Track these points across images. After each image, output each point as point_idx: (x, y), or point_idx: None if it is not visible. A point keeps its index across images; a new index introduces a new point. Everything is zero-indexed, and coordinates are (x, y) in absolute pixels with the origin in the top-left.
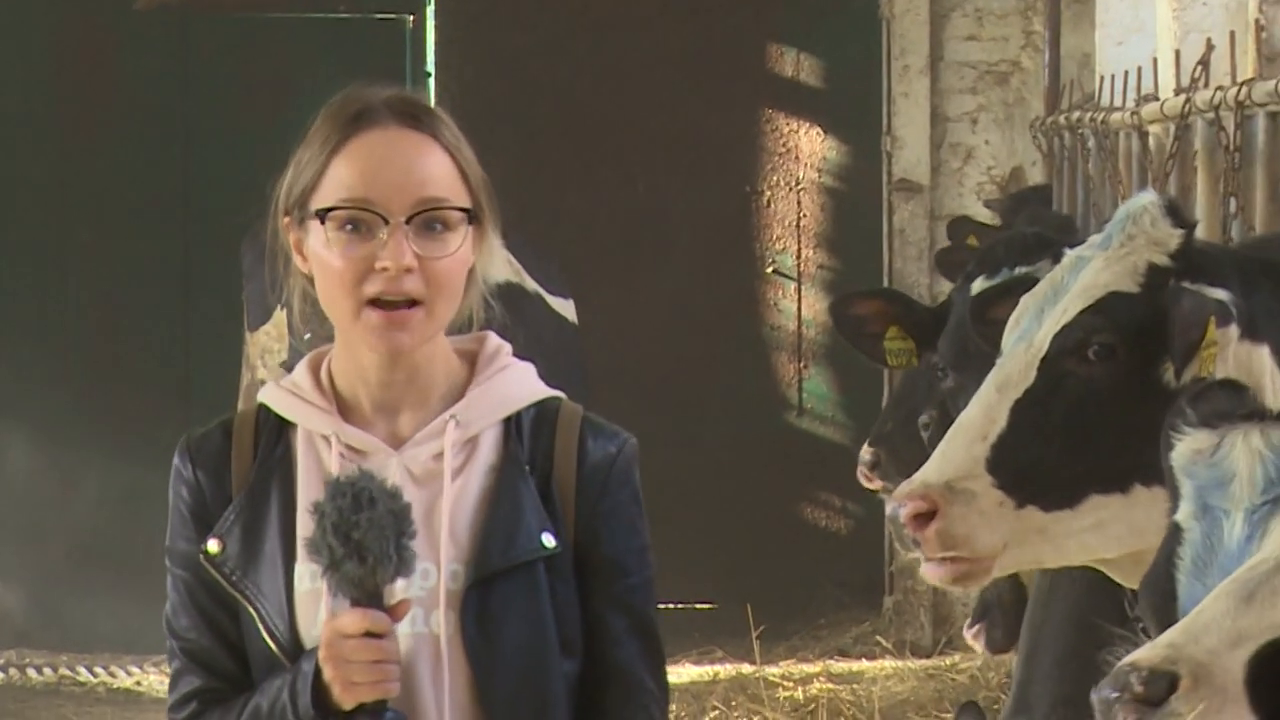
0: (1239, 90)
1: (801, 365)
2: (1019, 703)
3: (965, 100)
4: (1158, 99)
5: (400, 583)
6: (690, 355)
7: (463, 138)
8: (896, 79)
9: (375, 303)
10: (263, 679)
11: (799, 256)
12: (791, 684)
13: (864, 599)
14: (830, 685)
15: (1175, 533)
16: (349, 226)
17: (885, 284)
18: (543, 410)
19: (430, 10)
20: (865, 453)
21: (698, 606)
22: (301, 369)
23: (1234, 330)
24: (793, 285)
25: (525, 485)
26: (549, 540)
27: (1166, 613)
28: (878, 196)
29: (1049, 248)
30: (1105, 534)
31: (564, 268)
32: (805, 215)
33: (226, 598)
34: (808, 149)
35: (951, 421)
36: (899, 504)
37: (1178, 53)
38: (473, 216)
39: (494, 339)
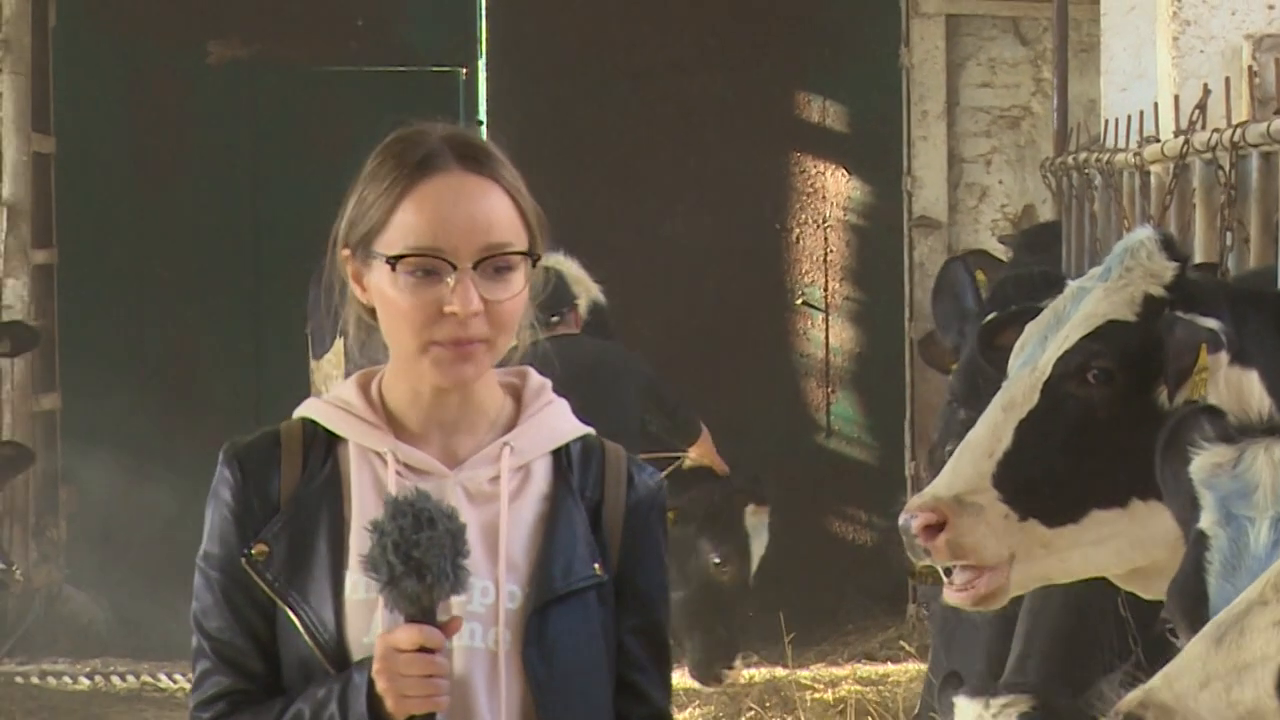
0: (1234, 132)
1: (830, 390)
2: (1016, 673)
3: (980, 143)
4: (1159, 140)
5: (454, 600)
6: (725, 381)
7: (518, 174)
8: (916, 123)
9: (439, 341)
10: (296, 684)
11: (826, 289)
12: (822, 686)
13: (889, 607)
14: (858, 687)
15: (1201, 539)
16: (419, 272)
17: (907, 315)
18: (587, 445)
19: (481, 63)
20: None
21: None
22: (350, 387)
23: (1224, 357)
24: (820, 316)
25: (579, 514)
26: (599, 569)
27: (1197, 614)
28: (899, 233)
29: (1055, 285)
30: (1106, 548)
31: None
32: (832, 250)
33: (262, 601)
34: (833, 189)
35: None
36: (910, 515)
37: (1177, 98)
38: (534, 256)
39: (536, 375)
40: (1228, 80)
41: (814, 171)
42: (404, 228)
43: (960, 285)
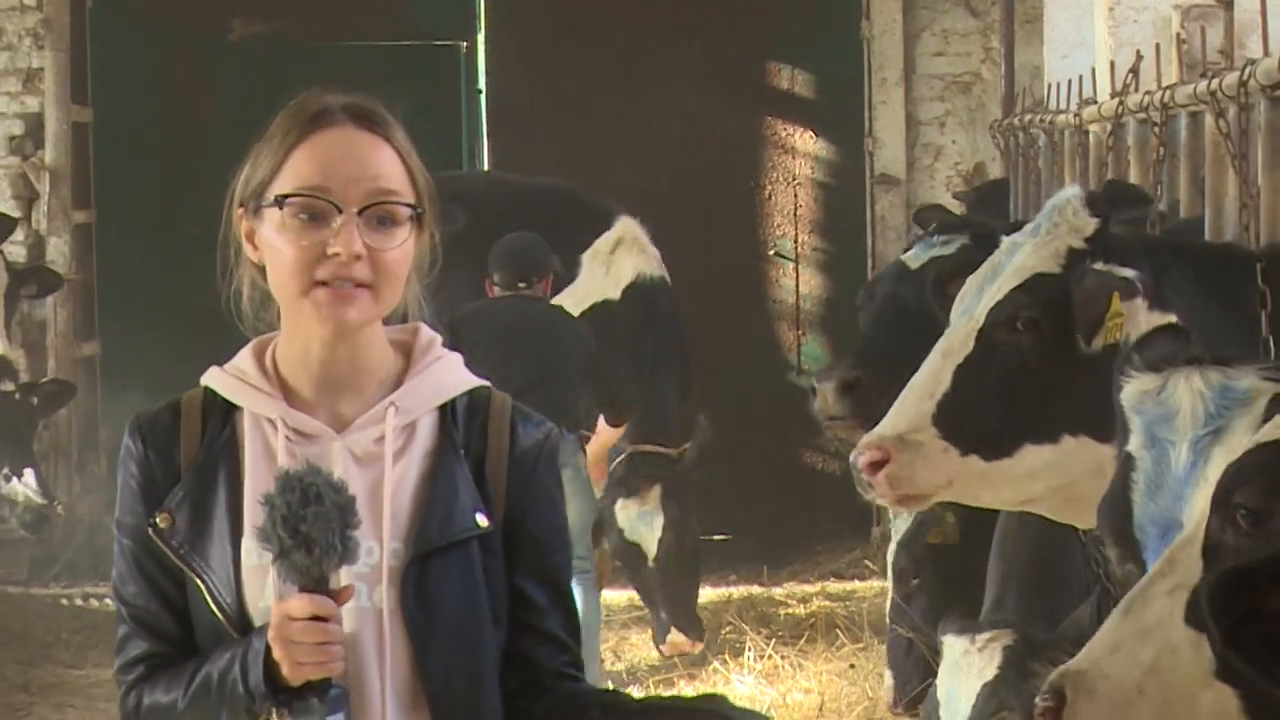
0: (1164, 94)
1: (800, 332)
2: (995, 611)
3: (934, 107)
4: (1096, 103)
5: (344, 569)
6: (705, 325)
7: (411, 143)
8: (876, 89)
9: (323, 284)
10: (209, 646)
11: (796, 241)
12: (794, 602)
13: (854, 530)
14: (827, 603)
15: (1128, 461)
16: (304, 215)
17: (869, 264)
18: (474, 399)
19: (481, 37)
20: None
21: (714, 538)
22: (246, 354)
23: (1140, 302)
24: (791, 265)
25: (460, 468)
26: (482, 520)
27: (1123, 531)
28: (862, 189)
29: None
30: (1038, 480)
31: None
32: (801, 206)
33: (173, 568)
34: (802, 149)
35: None
36: (858, 453)
37: (1113, 64)
38: (418, 214)
39: (427, 331)
40: (1158, 47)
41: (784, 134)
42: (294, 172)
43: None
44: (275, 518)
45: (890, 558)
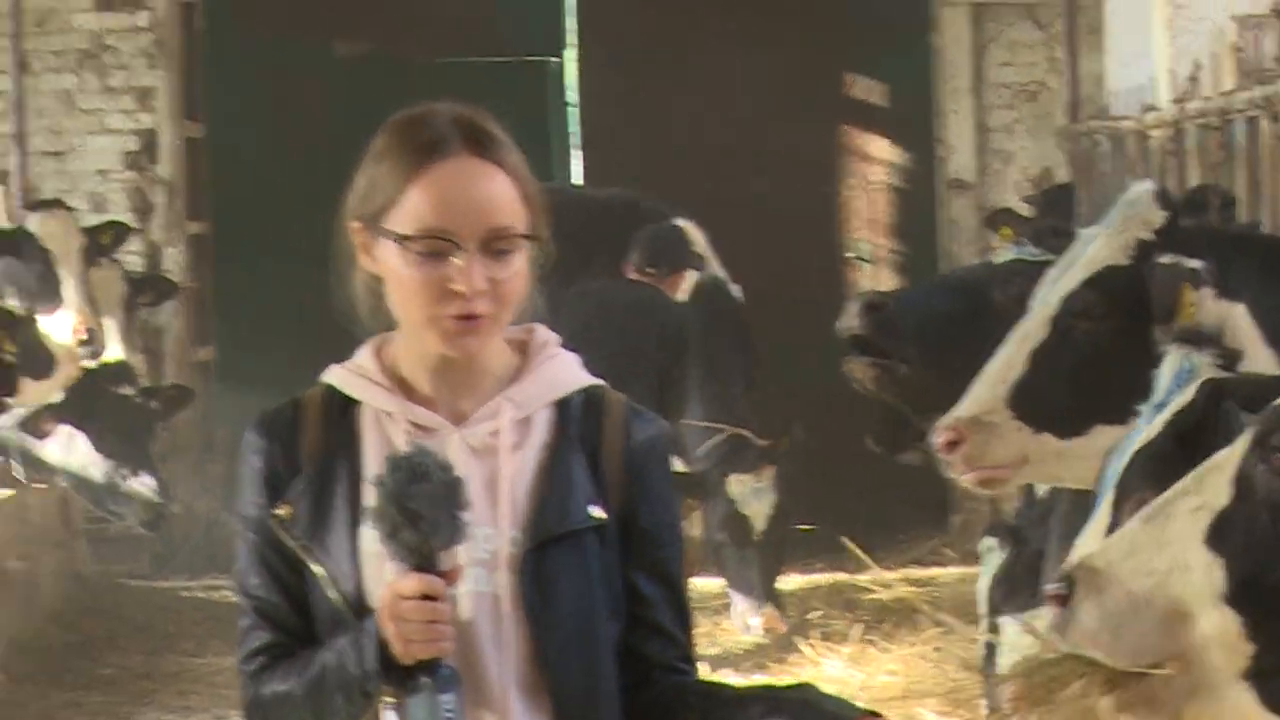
0: (1222, 100)
1: None
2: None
3: (1003, 114)
4: (1157, 109)
5: (457, 549)
6: (787, 324)
7: (522, 159)
8: (947, 98)
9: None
10: (327, 634)
11: (872, 243)
12: (878, 588)
13: (934, 519)
14: (909, 589)
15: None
16: (427, 252)
17: (938, 267)
18: (590, 396)
19: (570, 54)
20: None
21: (801, 528)
22: (365, 352)
23: (1207, 292)
24: (868, 267)
25: (577, 461)
26: (597, 512)
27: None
28: (934, 194)
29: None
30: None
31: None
32: (876, 210)
33: (294, 559)
34: (877, 156)
35: None
36: (936, 434)
37: (1172, 71)
38: (535, 237)
39: (543, 331)
40: (1216, 56)
41: (859, 141)
42: (413, 209)
43: None
44: (385, 496)
45: (983, 591)
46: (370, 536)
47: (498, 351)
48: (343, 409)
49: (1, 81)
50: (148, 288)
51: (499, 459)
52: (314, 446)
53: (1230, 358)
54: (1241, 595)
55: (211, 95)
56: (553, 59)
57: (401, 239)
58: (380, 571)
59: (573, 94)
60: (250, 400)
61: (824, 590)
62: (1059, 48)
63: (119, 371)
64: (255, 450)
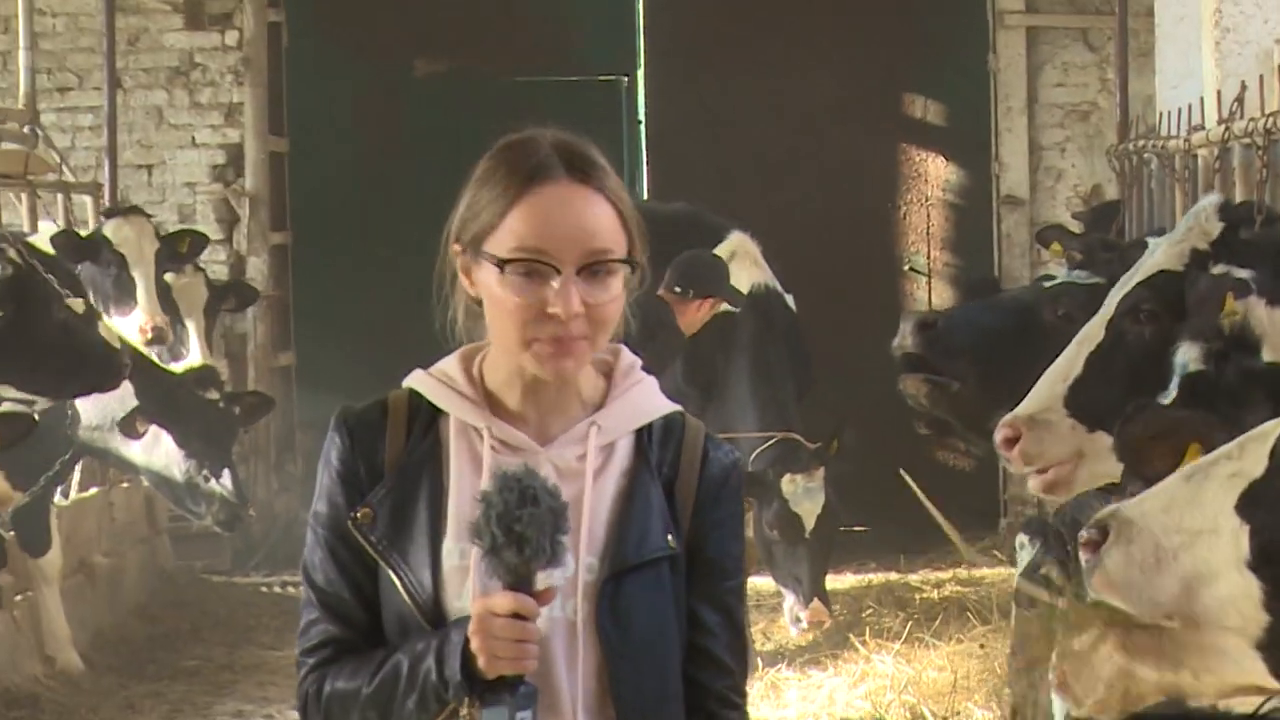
0: (1267, 120)
1: None
2: None
3: (1055, 133)
4: (1204, 129)
5: (549, 572)
6: (846, 334)
7: (621, 182)
8: (1002, 117)
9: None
10: (395, 638)
11: (929, 256)
12: (929, 588)
13: (984, 521)
14: (959, 588)
15: None
16: (525, 273)
17: (997, 277)
18: (669, 423)
19: (640, 73)
20: None
21: (855, 530)
22: (453, 362)
23: (1256, 300)
24: (924, 279)
25: (655, 489)
26: (672, 541)
27: None
28: (989, 209)
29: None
30: None
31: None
32: (933, 224)
33: (368, 560)
34: (934, 173)
35: None
36: (997, 431)
37: (1219, 93)
38: (633, 263)
39: (628, 354)
40: (1261, 78)
41: (917, 158)
42: (513, 232)
43: None
44: (491, 514)
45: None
46: (450, 550)
47: (585, 373)
48: (429, 416)
49: (95, 97)
50: (230, 294)
51: (583, 483)
52: (397, 452)
53: (1234, 350)
54: (1264, 564)
55: (295, 111)
56: (624, 78)
57: (501, 261)
58: (459, 585)
59: (642, 112)
60: (329, 403)
61: (876, 589)
62: (1110, 69)
63: (204, 376)
64: (337, 449)
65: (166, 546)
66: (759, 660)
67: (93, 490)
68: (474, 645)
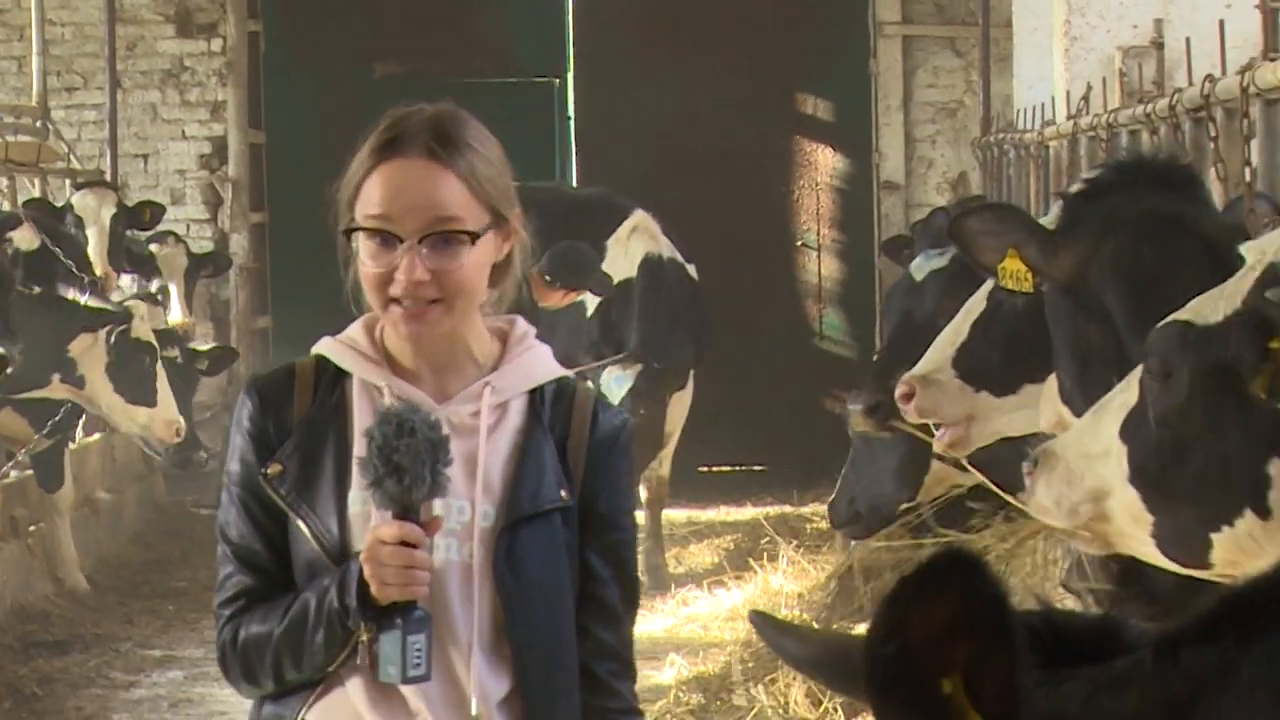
0: (1109, 117)
1: (821, 307)
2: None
3: (927, 128)
4: (1055, 124)
5: (437, 503)
6: (746, 301)
7: (481, 162)
8: (881, 114)
9: (398, 300)
10: (304, 583)
11: (819, 234)
12: (818, 519)
13: None
14: None
15: None
16: (377, 239)
17: (875, 252)
18: (561, 387)
19: (570, 76)
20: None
21: (754, 469)
22: (358, 327)
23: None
24: (814, 253)
25: (547, 446)
26: (565, 494)
27: None
28: (870, 193)
29: None
30: (1035, 411)
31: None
32: (822, 207)
33: (278, 513)
34: (823, 162)
35: None
36: (897, 389)
37: (1068, 93)
38: (477, 234)
39: (522, 322)
40: (1104, 80)
41: (808, 149)
42: (367, 200)
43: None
44: (372, 447)
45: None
46: (356, 498)
47: (478, 337)
48: (334, 379)
49: (98, 96)
50: (209, 262)
51: (478, 438)
52: (304, 411)
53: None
54: (1137, 478)
55: (272, 108)
56: (556, 80)
57: (351, 229)
58: (364, 530)
59: (571, 110)
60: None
61: (773, 520)
62: (974, 73)
63: (166, 335)
64: (248, 411)
65: (161, 484)
66: (672, 583)
67: (96, 435)
68: (366, 573)
